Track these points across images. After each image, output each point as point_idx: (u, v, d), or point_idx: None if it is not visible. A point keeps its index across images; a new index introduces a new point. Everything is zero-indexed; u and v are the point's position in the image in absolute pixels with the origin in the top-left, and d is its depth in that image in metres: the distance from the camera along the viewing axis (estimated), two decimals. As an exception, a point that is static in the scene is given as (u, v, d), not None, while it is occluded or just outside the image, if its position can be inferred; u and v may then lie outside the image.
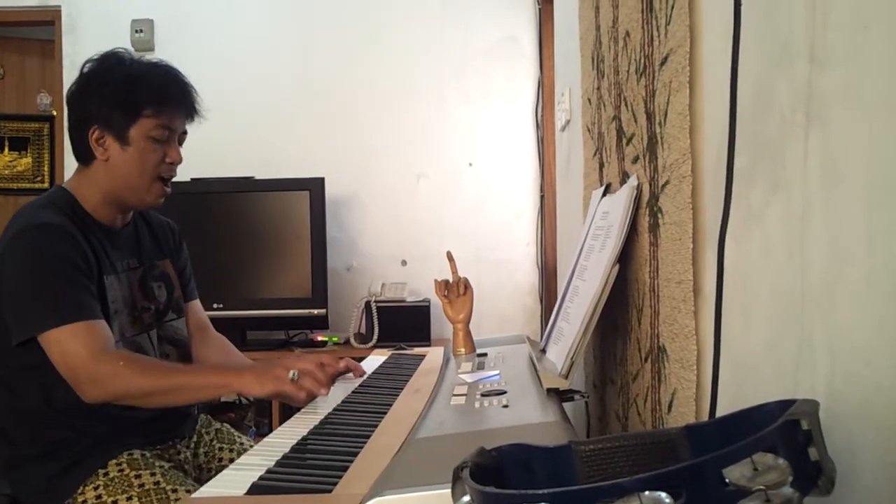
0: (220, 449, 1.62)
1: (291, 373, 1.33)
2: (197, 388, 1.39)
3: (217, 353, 1.73)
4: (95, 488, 1.35)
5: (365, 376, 1.53)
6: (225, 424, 1.72)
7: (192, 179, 2.91)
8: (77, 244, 1.38)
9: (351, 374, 1.52)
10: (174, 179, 1.55)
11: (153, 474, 1.35)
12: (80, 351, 1.31)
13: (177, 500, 1.30)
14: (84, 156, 1.47)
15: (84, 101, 1.45)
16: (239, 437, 1.70)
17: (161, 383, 1.36)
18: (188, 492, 1.32)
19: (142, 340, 1.51)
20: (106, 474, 1.37)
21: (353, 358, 1.60)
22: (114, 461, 1.38)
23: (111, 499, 1.33)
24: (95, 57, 1.48)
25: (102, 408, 1.38)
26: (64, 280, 1.35)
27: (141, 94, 1.43)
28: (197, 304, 1.75)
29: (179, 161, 1.50)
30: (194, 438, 1.60)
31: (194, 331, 1.71)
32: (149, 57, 1.55)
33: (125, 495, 1.33)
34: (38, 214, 1.40)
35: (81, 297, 1.35)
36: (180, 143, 1.52)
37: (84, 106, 1.45)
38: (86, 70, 1.47)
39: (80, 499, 1.35)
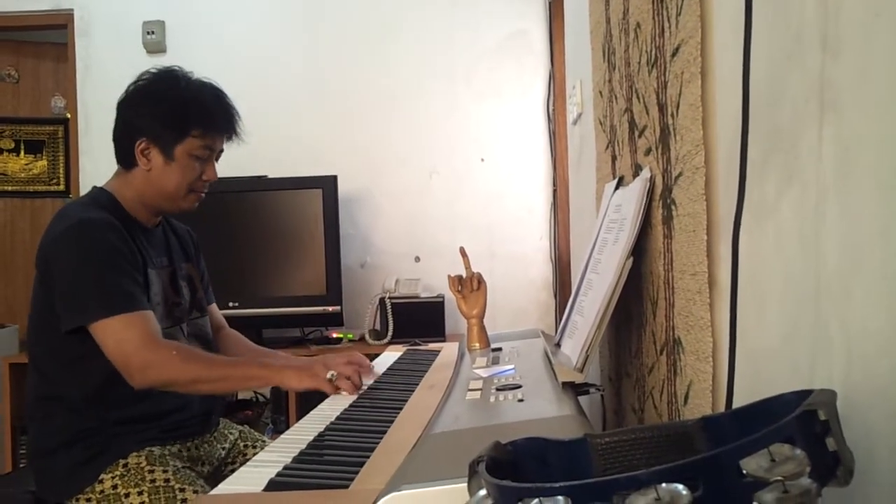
0: (246, 447, 1.67)
1: (330, 373, 1.40)
2: (240, 378, 1.49)
3: (234, 347, 1.81)
4: (113, 478, 1.41)
5: (381, 372, 1.55)
6: (246, 426, 1.76)
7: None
8: (124, 238, 1.47)
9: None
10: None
11: (165, 471, 1.41)
12: (135, 340, 1.39)
13: (184, 499, 1.35)
14: (127, 162, 1.56)
15: (136, 114, 1.53)
16: (260, 437, 1.77)
17: (208, 372, 1.44)
18: (195, 492, 1.38)
19: (175, 333, 1.58)
20: (125, 465, 1.42)
21: (369, 354, 1.63)
22: (134, 453, 1.43)
23: (124, 491, 1.39)
24: (153, 70, 1.56)
25: (130, 401, 1.44)
26: (115, 271, 1.43)
27: (191, 115, 1.52)
28: (214, 307, 1.84)
29: (214, 179, 1.59)
30: (214, 434, 1.63)
31: (214, 332, 1.79)
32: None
33: (137, 489, 1.39)
34: (85, 211, 1.49)
35: (131, 287, 1.43)
36: (216, 160, 1.61)
37: (136, 118, 1.53)
38: (142, 84, 1.55)
39: (98, 488, 1.41)
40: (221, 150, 1.61)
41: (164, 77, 1.55)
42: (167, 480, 1.39)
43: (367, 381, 1.47)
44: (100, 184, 1.60)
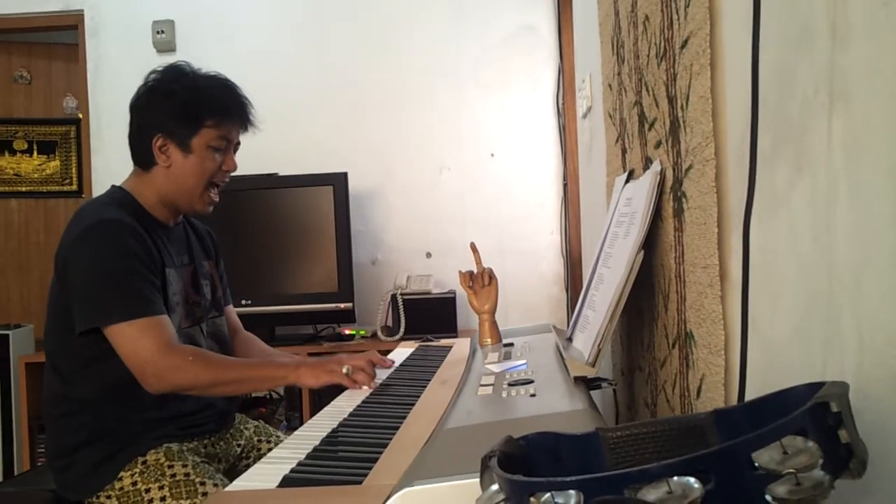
0: (260, 441, 1.69)
1: (345, 367, 1.42)
2: (258, 379, 1.51)
3: (249, 350, 1.82)
4: (132, 475, 1.42)
5: (393, 367, 1.55)
6: (261, 421, 1.77)
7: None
8: (142, 239, 1.46)
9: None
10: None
11: (185, 465, 1.41)
12: (150, 346, 1.39)
13: (204, 493, 1.36)
14: (145, 161, 1.55)
15: (149, 112, 1.54)
16: (275, 431, 1.78)
17: (224, 375, 1.46)
18: (216, 485, 1.39)
19: (194, 333, 1.58)
20: (144, 462, 1.43)
21: (381, 351, 1.64)
22: (152, 451, 1.44)
23: (145, 486, 1.40)
24: (160, 68, 1.57)
25: (149, 400, 1.45)
26: (132, 275, 1.43)
27: (203, 106, 1.52)
28: (231, 308, 1.84)
29: (234, 169, 1.60)
30: (231, 431, 1.64)
31: (231, 334, 1.80)
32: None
33: (157, 484, 1.40)
34: (104, 211, 1.48)
35: (148, 292, 1.44)
36: (234, 152, 1.61)
37: (149, 116, 1.54)
38: (150, 82, 1.56)
39: (118, 485, 1.42)
40: (238, 143, 1.61)
41: (171, 72, 1.56)
42: (187, 475, 1.40)
43: (383, 375, 1.48)
44: (112, 182, 1.61)
